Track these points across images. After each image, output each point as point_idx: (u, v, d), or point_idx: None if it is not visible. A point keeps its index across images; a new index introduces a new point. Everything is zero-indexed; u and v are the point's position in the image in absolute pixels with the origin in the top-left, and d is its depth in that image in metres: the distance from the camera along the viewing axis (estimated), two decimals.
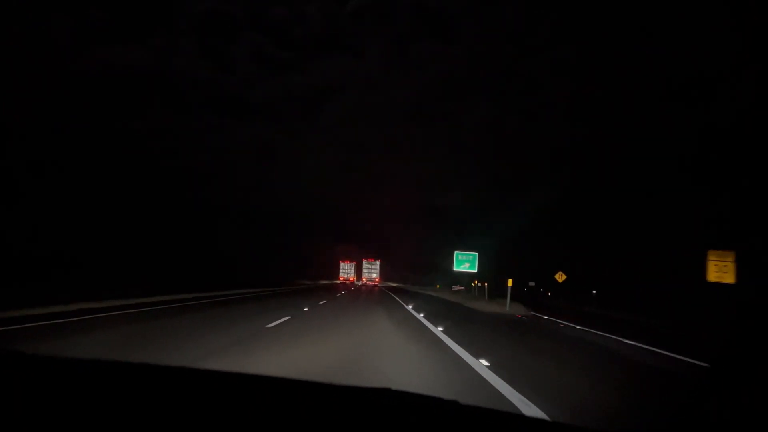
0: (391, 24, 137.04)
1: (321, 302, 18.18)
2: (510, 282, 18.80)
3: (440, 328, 9.98)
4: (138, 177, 44.59)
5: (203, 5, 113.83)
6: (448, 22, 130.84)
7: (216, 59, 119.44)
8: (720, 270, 10.45)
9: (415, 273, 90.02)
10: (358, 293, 32.15)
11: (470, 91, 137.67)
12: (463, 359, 6.34)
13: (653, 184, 44.87)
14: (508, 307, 18.72)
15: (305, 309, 14.22)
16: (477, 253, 27.24)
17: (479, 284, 30.07)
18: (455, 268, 27.30)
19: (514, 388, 4.64)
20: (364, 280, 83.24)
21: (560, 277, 30.33)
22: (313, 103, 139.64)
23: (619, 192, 49.17)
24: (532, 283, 34.94)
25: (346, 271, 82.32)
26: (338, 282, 78.50)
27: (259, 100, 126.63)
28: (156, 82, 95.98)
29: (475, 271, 27.39)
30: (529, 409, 3.89)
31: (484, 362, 6.05)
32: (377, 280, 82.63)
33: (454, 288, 37.58)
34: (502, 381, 4.99)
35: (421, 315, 13.39)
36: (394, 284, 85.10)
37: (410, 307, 17.21)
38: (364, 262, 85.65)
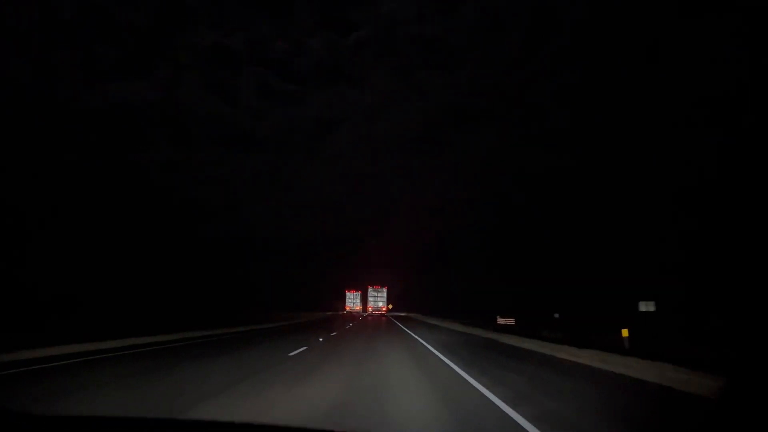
0: (393, 54, 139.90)
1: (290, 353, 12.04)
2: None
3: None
4: (142, 211, 45.02)
5: (207, 40, 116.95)
6: (449, 51, 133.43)
7: (221, 93, 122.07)
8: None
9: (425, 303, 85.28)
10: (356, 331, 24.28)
11: (474, 119, 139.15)
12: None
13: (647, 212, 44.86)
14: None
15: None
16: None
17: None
18: None
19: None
20: (369, 309, 77.41)
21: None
22: (318, 135, 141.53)
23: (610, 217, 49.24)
24: (556, 315, 32.92)
25: (352, 300, 78.10)
26: (344, 312, 75.30)
27: (263, 133, 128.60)
28: (162, 117, 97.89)
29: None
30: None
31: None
32: (384, 309, 77.11)
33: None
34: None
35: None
36: (404, 314, 77.82)
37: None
38: (370, 289, 79.45)
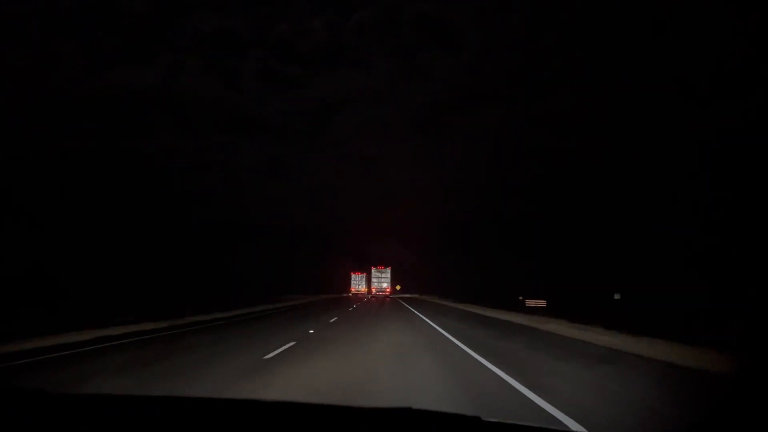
0: (396, 35, 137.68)
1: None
2: None
3: None
4: (146, 196, 45.30)
5: (208, 24, 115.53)
6: (452, 31, 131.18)
7: (223, 77, 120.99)
8: None
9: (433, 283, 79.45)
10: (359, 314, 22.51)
11: (478, 100, 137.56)
12: None
13: (654, 187, 44.56)
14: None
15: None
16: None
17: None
18: None
19: None
20: (373, 290, 74.44)
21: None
22: (321, 118, 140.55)
23: (619, 196, 49.00)
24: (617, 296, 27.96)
25: (357, 282, 76.80)
26: (349, 295, 74.46)
27: (267, 117, 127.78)
28: (163, 102, 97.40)
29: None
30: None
31: None
32: (388, 290, 74.18)
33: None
34: None
35: None
36: (416, 296, 73.23)
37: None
38: (373, 270, 75.64)
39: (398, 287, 79.15)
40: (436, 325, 15.79)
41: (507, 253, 62.42)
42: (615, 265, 39.48)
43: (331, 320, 17.76)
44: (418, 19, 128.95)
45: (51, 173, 36.99)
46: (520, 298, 30.04)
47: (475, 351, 8.89)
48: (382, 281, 73.55)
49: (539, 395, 5.21)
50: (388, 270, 74.17)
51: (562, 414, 4.42)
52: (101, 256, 33.40)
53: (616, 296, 26.97)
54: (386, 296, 67.93)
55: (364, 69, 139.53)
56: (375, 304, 37.98)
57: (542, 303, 25.52)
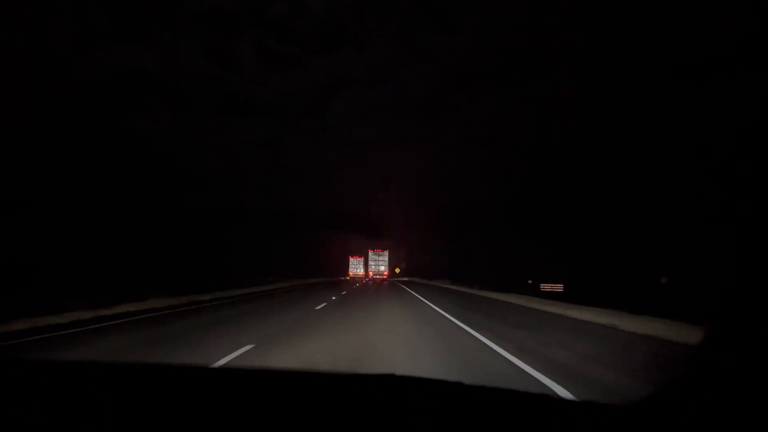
0: (394, 16, 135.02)
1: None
2: None
3: None
4: (144, 178, 45.01)
5: (205, 4, 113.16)
6: (451, 11, 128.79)
7: (220, 57, 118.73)
8: None
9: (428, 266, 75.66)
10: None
11: (477, 83, 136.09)
12: None
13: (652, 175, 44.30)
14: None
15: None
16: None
17: None
18: None
19: None
20: (370, 274, 72.99)
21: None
22: (319, 100, 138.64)
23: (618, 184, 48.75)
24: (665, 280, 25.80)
25: (355, 266, 75.85)
26: (347, 278, 72.73)
27: (264, 98, 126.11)
28: (160, 83, 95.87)
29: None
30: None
31: None
32: (386, 273, 72.90)
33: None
34: None
35: None
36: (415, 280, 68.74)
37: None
38: (370, 253, 74.20)
39: (397, 270, 76.75)
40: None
41: (515, 236, 61.58)
42: (621, 250, 39.22)
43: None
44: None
45: (45, 155, 36.46)
46: (529, 281, 28.76)
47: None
48: (379, 264, 73.13)
49: None
50: (386, 253, 73.61)
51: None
52: (101, 239, 33.25)
53: (663, 280, 25.13)
54: (383, 279, 66.81)
55: (362, 50, 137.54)
56: (371, 287, 37.85)
57: (558, 287, 24.00)
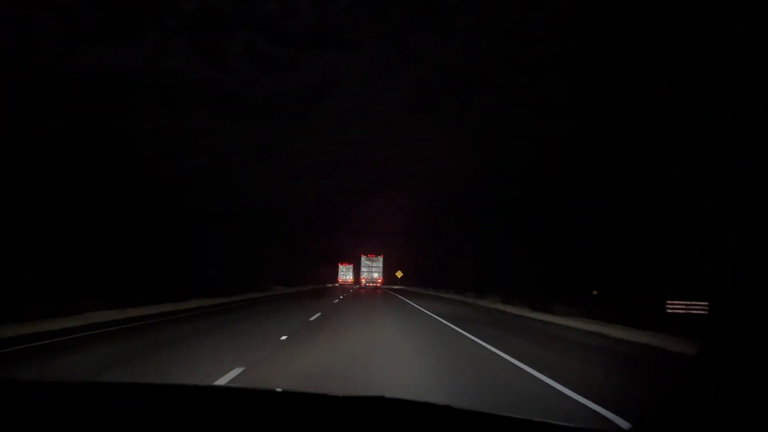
0: (385, 17, 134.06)
1: None
2: None
3: None
4: (132, 179, 43.28)
5: (194, 3, 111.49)
6: (442, 13, 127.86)
7: (209, 57, 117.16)
8: None
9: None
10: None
11: (469, 85, 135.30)
12: None
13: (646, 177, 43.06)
14: None
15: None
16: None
17: None
18: None
19: None
20: (363, 281, 67.71)
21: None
22: (310, 101, 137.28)
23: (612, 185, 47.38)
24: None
25: (344, 273, 73.29)
26: (336, 285, 71.20)
27: (254, 99, 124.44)
28: (149, 83, 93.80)
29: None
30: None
31: None
32: (380, 281, 67.05)
33: None
34: None
35: None
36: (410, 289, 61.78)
37: None
38: (363, 258, 67.72)
39: (399, 274, 68.38)
40: None
41: (510, 242, 59.19)
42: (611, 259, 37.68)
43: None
44: (407, 1, 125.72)
45: (33, 155, 34.64)
46: (594, 292, 25.55)
47: None
48: (372, 271, 66.79)
49: None
50: (380, 259, 67.25)
51: None
52: (87, 243, 31.10)
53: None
54: (377, 287, 62.81)
55: (353, 51, 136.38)
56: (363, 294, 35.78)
57: (699, 307, 17.86)
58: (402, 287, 66.49)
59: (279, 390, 1.55)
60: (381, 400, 1.39)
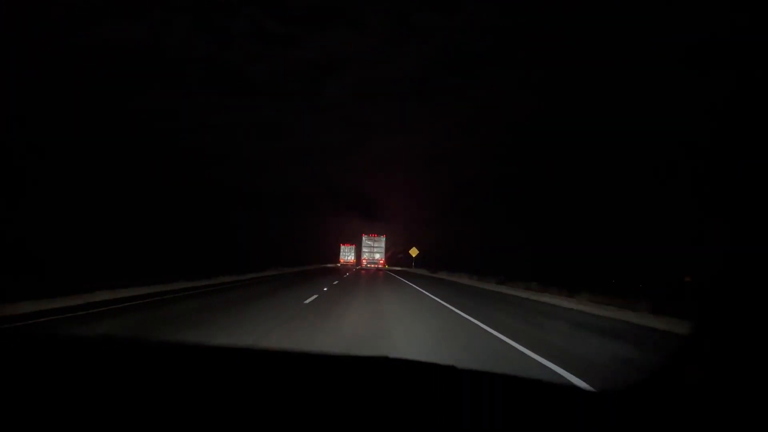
0: None
1: None
2: None
3: None
4: (138, 158, 43.65)
5: None
6: None
7: (215, 35, 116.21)
8: None
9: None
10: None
11: (475, 63, 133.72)
12: None
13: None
14: None
15: None
16: None
17: None
18: None
19: None
20: (364, 261, 65.46)
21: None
22: (315, 79, 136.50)
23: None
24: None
25: (346, 253, 73.06)
26: (338, 265, 71.31)
27: (260, 78, 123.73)
28: (154, 60, 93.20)
29: None
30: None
31: None
32: (382, 262, 65.03)
33: None
34: None
35: None
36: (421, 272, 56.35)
37: None
38: (364, 238, 65.29)
39: (413, 252, 60.28)
40: None
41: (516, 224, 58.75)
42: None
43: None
44: None
45: (44, 135, 34.98)
46: (687, 279, 24.65)
47: None
48: (374, 251, 64.74)
49: None
50: (382, 239, 65.21)
51: None
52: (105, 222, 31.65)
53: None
54: (378, 269, 61.48)
55: (358, 29, 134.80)
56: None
57: None
58: (402, 269, 63.62)
59: (281, 350, 1.55)
60: (386, 360, 1.39)
